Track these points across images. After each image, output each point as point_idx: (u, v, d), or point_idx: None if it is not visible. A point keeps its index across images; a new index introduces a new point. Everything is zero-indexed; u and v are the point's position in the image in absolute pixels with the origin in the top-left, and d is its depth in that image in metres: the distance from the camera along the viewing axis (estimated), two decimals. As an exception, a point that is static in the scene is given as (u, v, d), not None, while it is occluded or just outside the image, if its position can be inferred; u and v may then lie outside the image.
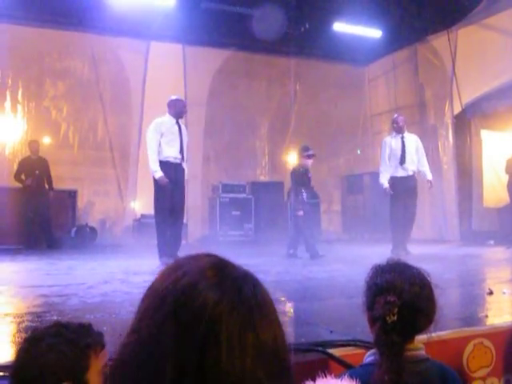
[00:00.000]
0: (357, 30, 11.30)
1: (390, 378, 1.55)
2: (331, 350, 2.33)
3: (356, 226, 12.74)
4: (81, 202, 11.06)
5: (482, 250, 8.81)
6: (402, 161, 8.11)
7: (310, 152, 8.59)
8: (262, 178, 12.86)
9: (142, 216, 10.72)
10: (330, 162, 13.32)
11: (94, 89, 11.35)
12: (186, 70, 11.85)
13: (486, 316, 3.16)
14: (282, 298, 3.98)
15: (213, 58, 12.06)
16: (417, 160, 8.19)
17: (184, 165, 7.12)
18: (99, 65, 11.35)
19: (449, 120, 11.70)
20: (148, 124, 11.22)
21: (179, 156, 7.00)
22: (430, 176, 8.20)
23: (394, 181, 8.07)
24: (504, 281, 5.21)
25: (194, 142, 11.57)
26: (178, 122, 7.10)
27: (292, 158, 13.42)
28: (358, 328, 2.58)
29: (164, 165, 6.84)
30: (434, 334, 2.38)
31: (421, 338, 1.82)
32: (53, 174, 10.02)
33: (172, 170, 6.89)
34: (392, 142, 8.22)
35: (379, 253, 8.25)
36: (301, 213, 8.11)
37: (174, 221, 6.92)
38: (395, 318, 1.58)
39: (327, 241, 11.74)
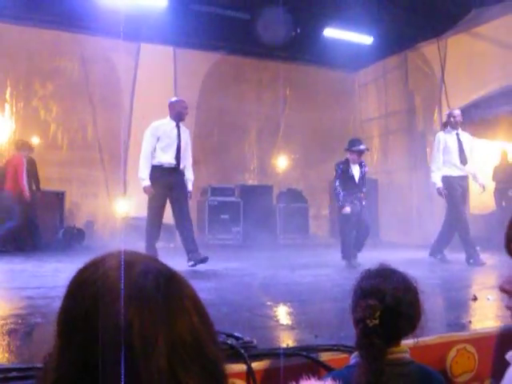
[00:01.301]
0: (348, 35, 11.35)
1: (368, 380, 1.57)
2: (315, 355, 2.34)
3: (344, 230, 12.74)
4: (69, 204, 11.00)
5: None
6: (463, 161, 7.52)
7: (355, 147, 7.44)
8: (251, 182, 12.87)
9: (131, 218, 10.68)
10: (319, 166, 13.35)
11: (84, 90, 11.30)
12: (177, 72, 11.85)
13: (470, 322, 3.18)
14: (268, 303, 3.99)
15: (203, 61, 12.07)
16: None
17: (182, 169, 6.82)
18: (89, 66, 11.32)
19: (437, 127, 11.77)
20: (137, 126, 11.32)
21: (174, 162, 6.71)
22: (481, 180, 7.68)
23: (449, 180, 7.48)
24: (488, 287, 5.25)
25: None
26: (178, 126, 6.83)
27: (281, 162, 13.46)
28: (343, 333, 2.60)
29: (157, 169, 6.62)
30: (419, 339, 2.41)
31: (407, 342, 1.84)
32: (41, 174, 9.96)
33: (166, 174, 6.64)
34: (447, 138, 7.62)
35: (365, 257, 8.29)
36: (347, 209, 7.16)
37: (183, 224, 6.69)
38: (377, 321, 1.61)
39: (315, 245, 11.77)
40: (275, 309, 3.82)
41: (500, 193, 10.82)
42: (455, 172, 7.50)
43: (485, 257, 8.49)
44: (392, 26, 11.13)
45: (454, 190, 7.40)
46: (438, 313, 3.39)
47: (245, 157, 12.89)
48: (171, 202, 6.73)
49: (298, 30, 10.46)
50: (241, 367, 2.11)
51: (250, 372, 2.11)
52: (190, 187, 6.90)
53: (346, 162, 7.40)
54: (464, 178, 7.58)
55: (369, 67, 13.67)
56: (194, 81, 11.94)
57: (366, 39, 11.61)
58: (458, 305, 4.02)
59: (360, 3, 10.22)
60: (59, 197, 10.52)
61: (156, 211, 6.69)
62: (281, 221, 12.17)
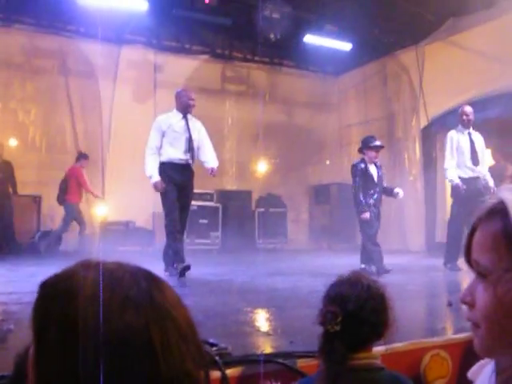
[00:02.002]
0: (327, 42, 11.41)
1: None
2: (291, 361, 2.35)
3: (322, 235, 12.81)
4: (46, 207, 10.88)
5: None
6: (475, 162, 7.13)
7: (373, 143, 7.02)
8: (230, 187, 12.85)
9: (110, 223, 10.61)
10: (298, 171, 13.39)
11: (63, 92, 11.20)
12: (157, 76, 11.80)
13: (444, 327, 3.22)
14: (245, 309, 3.98)
15: (184, 66, 12.04)
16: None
17: (193, 167, 6.40)
18: (69, 68, 11.22)
19: (416, 133, 11.90)
20: (117, 130, 11.26)
21: (185, 157, 6.25)
22: (491, 182, 7.18)
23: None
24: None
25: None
26: (185, 117, 6.37)
27: (260, 167, 13.46)
28: (317, 339, 2.60)
29: (167, 166, 6.19)
30: (391, 345, 2.43)
31: (378, 348, 1.85)
32: (18, 178, 9.86)
33: (177, 171, 6.22)
34: (459, 138, 7.25)
35: (344, 263, 8.32)
36: (366, 215, 6.74)
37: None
38: (338, 327, 1.64)
39: (294, 250, 11.79)
40: (251, 315, 3.81)
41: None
42: (466, 173, 7.15)
43: (460, 262, 8.59)
44: (371, 33, 11.23)
45: (460, 195, 7.00)
46: (413, 319, 3.42)
47: (224, 162, 12.86)
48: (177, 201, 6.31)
49: (279, 36, 10.48)
50: (215, 374, 2.10)
51: (224, 379, 2.11)
52: (215, 164, 6.54)
53: (364, 162, 6.95)
54: (476, 180, 7.14)
55: (349, 73, 13.75)
56: (175, 85, 11.88)
57: (345, 46, 11.68)
58: (434, 311, 4.05)
59: (340, 10, 10.28)
60: (36, 200, 10.41)
61: (172, 205, 6.19)
62: (259, 226, 12.17)
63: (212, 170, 6.45)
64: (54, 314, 0.68)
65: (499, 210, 0.80)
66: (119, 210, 10.38)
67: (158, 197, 10.89)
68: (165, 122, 6.31)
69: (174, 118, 6.35)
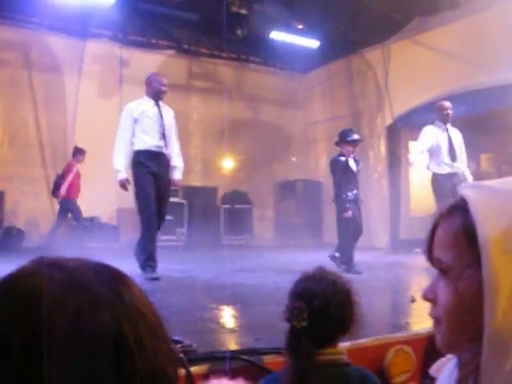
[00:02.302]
0: (295, 39, 11.44)
1: (293, 381, 1.61)
2: (256, 358, 2.34)
3: (288, 232, 12.85)
4: (9, 203, 10.66)
5: (408, 257, 9.05)
6: (453, 158, 7.04)
7: (352, 137, 6.88)
8: (196, 183, 12.80)
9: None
10: (264, 167, 13.41)
11: (27, 86, 10.97)
12: (123, 71, 11.66)
13: (407, 323, 3.25)
14: (210, 305, 3.96)
15: (150, 61, 11.91)
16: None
17: (168, 156, 5.99)
18: (33, 61, 11.00)
19: (381, 131, 12.02)
20: (82, 124, 11.09)
21: (161, 144, 5.85)
22: (470, 177, 7.15)
23: (438, 178, 7.06)
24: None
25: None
26: (157, 104, 5.96)
27: (226, 164, 13.44)
28: (283, 336, 2.60)
29: (142, 154, 5.74)
30: (356, 341, 2.44)
31: (344, 344, 1.86)
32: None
33: (153, 160, 5.78)
34: (437, 133, 7.12)
35: (310, 260, 8.36)
36: (349, 213, 6.58)
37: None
38: (305, 323, 1.64)
39: (260, 247, 11.81)
40: (217, 311, 3.80)
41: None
42: (445, 169, 7.05)
43: (423, 258, 8.69)
44: (338, 31, 11.30)
45: (441, 191, 6.92)
46: (377, 315, 3.45)
47: (189, 158, 12.79)
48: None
49: (245, 32, 10.48)
50: (180, 372, 2.08)
51: (188, 376, 2.09)
52: (179, 175, 6.17)
53: (343, 156, 6.78)
54: (455, 175, 7.04)
55: (315, 71, 13.81)
56: (141, 80, 11.73)
57: (312, 43, 11.72)
58: (397, 306, 4.10)
59: (307, 8, 10.32)
60: (-1, 196, 10.21)
61: (149, 199, 5.74)
62: (225, 222, 12.16)
63: (174, 181, 6.22)
64: (15, 319, 0.62)
65: (460, 206, 0.81)
66: (83, 205, 10.23)
67: (122, 192, 10.81)
68: (136, 109, 5.89)
69: (146, 105, 5.94)
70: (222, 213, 12.21)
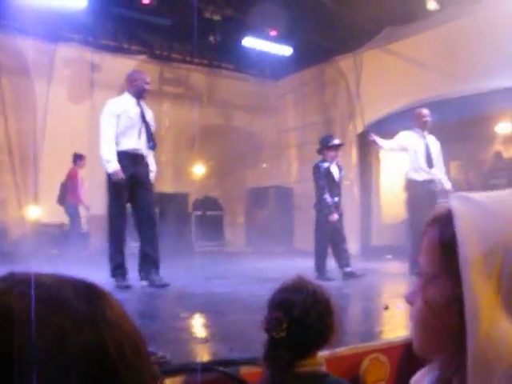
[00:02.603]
0: (267, 46, 11.45)
1: None
2: (231, 369, 2.30)
3: (260, 239, 12.83)
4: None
5: (380, 264, 9.12)
6: (430, 164, 7.06)
7: (331, 142, 6.79)
8: (166, 190, 12.69)
9: (43, 225, 10.26)
10: (235, 174, 13.39)
11: (-5, 89, 10.79)
12: (94, 75, 11.52)
13: (382, 331, 3.25)
14: (183, 314, 3.91)
15: (121, 66, 11.77)
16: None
17: (149, 159, 5.78)
18: (2, 65, 10.78)
19: (352, 138, 12.10)
20: (52, 129, 10.90)
21: (140, 146, 5.58)
22: (448, 185, 7.17)
23: (414, 185, 7.08)
24: (399, 295, 5.40)
25: (98, 149, 11.25)
26: (139, 104, 5.67)
27: (197, 170, 13.37)
28: (258, 345, 2.56)
29: (119, 156, 5.41)
30: (333, 350, 2.42)
31: (322, 353, 1.83)
32: None
33: (130, 162, 5.49)
34: (415, 140, 7.14)
35: (281, 266, 8.35)
36: (335, 217, 6.58)
37: (148, 230, 5.74)
38: (284, 333, 1.61)
39: (231, 253, 11.77)
40: (190, 321, 3.75)
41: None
42: (421, 176, 7.08)
43: (395, 265, 8.79)
44: (310, 38, 11.35)
45: (416, 197, 6.97)
46: (351, 323, 3.44)
47: (161, 164, 12.68)
48: (134, 200, 5.64)
49: (218, 38, 10.45)
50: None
51: (163, 389, 2.04)
52: (152, 178, 5.93)
53: (326, 162, 6.75)
54: (431, 182, 7.11)
55: (287, 78, 13.85)
56: (112, 84, 11.64)
57: (285, 50, 11.75)
58: (371, 314, 4.10)
59: (280, 15, 10.34)
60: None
61: (120, 207, 5.58)
62: (196, 228, 12.09)
63: None
64: None
65: (443, 216, 0.81)
66: (52, 211, 10.07)
67: (92, 198, 10.66)
68: (118, 106, 5.56)
69: (128, 103, 5.61)
70: (193, 219, 12.14)
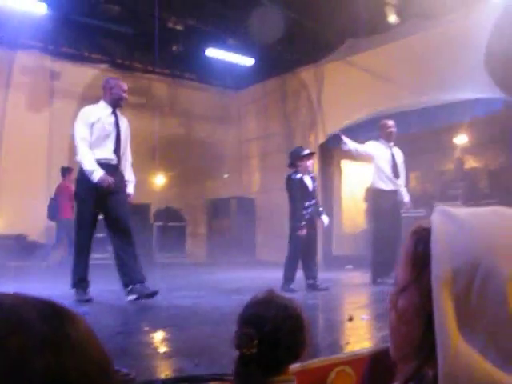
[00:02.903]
0: (229, 56, 11.47)
1: None
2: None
3: (221, 249, 12.77)
4: None
5: (341, 274, 9.17)
6: (396, 174, 7.19)
7: (303, 153, 6.75)
8: (127, 200, 12.56)
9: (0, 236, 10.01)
10: (197, 184, 13.31)
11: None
12: (53, 84, 11.31)
13: (348, 343, 3.24)
14: (145, 328, 3.84)
15: (82, 74, 11.63)
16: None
17: (123, 169, 5.52)
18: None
19: (314, 149, 12.16)
20: (9, 137, 10.64)
21: (113, 157, 5.34)
22: (407, 197, 7.33)
23: (380, 194, 7.19)
24: (362, 306, 5.43)
25: (58, 159, 11.03)
26: (114, 112, 5.42)
27: (159, 180, 13.25)
28: (225, 360, 2.52)
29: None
30: (302, 363, 2.40)
31: (293, 367, 1.81)
32: None
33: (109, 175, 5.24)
34: (381, 150, 7.24)
35: (243, 277, 8.33)
36: (303, 232, 6.50)
37: (125, 242, 5.45)
38: (254, 350, 1.58)
39: (193, 265, 11.66)
40: (153, 335, 3.67)
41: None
42: (388, 186, 7.17)
43: (356, 275, 8.85)
44: (272, 50, 11.41)
45: (381, 207, 7.11)
46: (317, 335, 3.42)
47: (122, 174, 12.56)
48: (107, 212, 5.37)
49: (180, 48, 10.40)
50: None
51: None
52: (131, 190, 5.67)
53: (299, 173, 6.67)
54: (396, 193, 7.25)
55: (249, 88, 13.90)
56: (72, 93, 11.46)
57: (247, 61, 11.79)
58: (335, 326, 4.09)
59: (243, 26, 10.38)
60: None
61: (87, 218, 5.31)
62: (157, 239, 11.96)
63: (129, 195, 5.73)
64: None
65: (420, 229, 0.81)
66: (10, 222, 9.83)
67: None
68: (94, 114, 5.30)
69: (103, 112, 5.35)
70: (154, 230, 12.00)
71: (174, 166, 13.12)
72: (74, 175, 9.81)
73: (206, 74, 13.22)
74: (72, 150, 11.23)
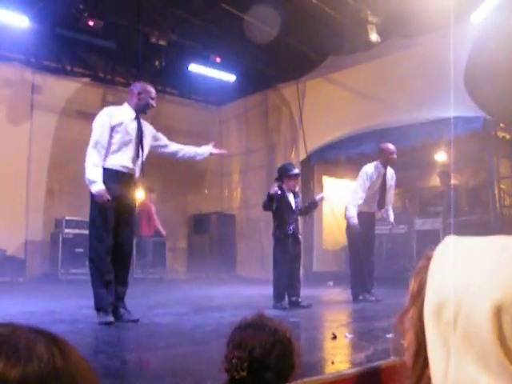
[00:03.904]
0: (211, 72, 11.51)
1: None
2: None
3: (201, 265, 12.71)
4: None
5: (322, 291, 9.15)
6: (381, 204, 7.25)
7: (292, 172, 6.67)
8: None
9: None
10: (176, 200, 13.25)
11: None
12: (34, 97, 11.20)
13: (333, 362, 3.21)
14: (128, 346, 3.78)
15: (64, 88, 11.54)
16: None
17: (136, 178, 5.18)
18: None
19: (295, 165, 12.21)
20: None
21: (131, 166, 5.01)
22: (391, 217, 7.42)
23: (360, 216, 7.07)
24: (345, 324, 5.42)
25: (38, 172, 10.91)
26: (138, 118, 5.09)
27: (139, 195, 13.15)
28: (209, 381, 2.49)
29: (106, 173, 4.84)
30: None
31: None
32: None
33: (116, 182, 4.91)
34: (374, 176, 7.10)
35: (225, 294, 8.28)
36: (287, 245, 6.54)
37: (120, 258, 5.02)
38: (244, 373, 1.57)
39: (173, 280, 11.59)
40: (135, 354, 3.61)
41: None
42: (364, 208, 7.14)
43: (337, 291, 8.85)
44: (254, 65, 11.47)
45: (355, 226, 7.02)
46: (301, 354, 3.39)
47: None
48: (115, 229, 4.96)
49: (163, 63, 10.39)
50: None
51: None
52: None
53: (282, 189, 6.59)
54: (373, 214, 7.37)
55: (231, 104, 13.92)
56: (53, 107, 11.37)
57: (229, 77, 11.83)
58: (319, 344, 4.07)
59: (225, 42, 10.42)
60: None
61: (104, 231, 4.87)
62: (137, 255, 11.84)
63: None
64: None
65: (428, 256, 0.80)
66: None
67: (31, 224, 10.31)
68: (116, 116, 4.95)
69: (127, 116, 5.01)
70: (134, 245, 11.89)
71: (155, 180, 13.03)
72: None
73: (187, 89, 13.24)
74: (52, 165, 11.27)
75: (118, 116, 4.97)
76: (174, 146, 5.75)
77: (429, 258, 0.80)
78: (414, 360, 0.76)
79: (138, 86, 5.25)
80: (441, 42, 9.03)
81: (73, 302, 5.44)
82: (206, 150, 5.81)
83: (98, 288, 4.87)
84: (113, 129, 4.88)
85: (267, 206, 6.63)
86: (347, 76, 10.75)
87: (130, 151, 4.98)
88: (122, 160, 4.95)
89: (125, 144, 4.95)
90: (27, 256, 10.46)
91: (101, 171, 4.80)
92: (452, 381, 0.68)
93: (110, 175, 4.87)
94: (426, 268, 0.78)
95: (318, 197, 7.29)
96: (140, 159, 5.09)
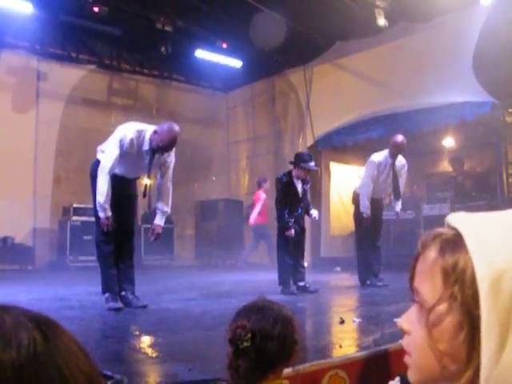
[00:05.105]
0: (218, 58, 11.45)
1: None
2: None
3: (209, 251, 12.73)
4: None
5: (330, 276, 9.17)
6: (397, 194, 7.25)
7: (306, 164, 6.57)
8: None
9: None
10: (184, 186, 13.24)
11: None
12: (40, 84, 11.20)
13: (340, 346, 3.22)
14: (137, 332, 3.79)
15: (69, 75, 11.53)
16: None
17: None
18: None
19: (302, 151, 12.17)
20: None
21: (133, 177, 5.38)
22: (398, 207, 7.42)
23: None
24: (353, 308, 5.43)
25: (44, 160, 10.93)
26: (151, 152, 5.02)
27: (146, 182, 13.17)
28: (218, 365, 2.49)
29: (113, 178, 4.95)
30: (294, 367, 2.38)
31: (287, 370, 1.80)
32: None
33: (124, 183, 5.18)
34: (382, 165, 7.12)
35: (232, 280, 8.30)
36: (291, 232, 6.48)
37: (124, 258, 5.25)
38: (248, 343, 1.58)
39: (181, 267, 11.62)
40: (144, 339, 3.63)
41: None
42: (374, 195, 7.17)
43: (344, 277, 8.85)
44: (261, 51, 11.39)
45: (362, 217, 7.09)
46: (309, 338, 3.40)
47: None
48: (117, 216, 5.07)
49: (170, 49, 10.34)
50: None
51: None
52: (159, 221, 5.45)
53: (289, 176, 6.59)
54: (381, 200, 7.42)
55: (238, 90, 13.87)
56: (59, 94, 11.36)
57: (235, 62, 11.77)
58: (327, 329, 4.08)
59: (231, 28, 10.36)
60: None
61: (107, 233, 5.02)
62: (145, 242, 11.86)
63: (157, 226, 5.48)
64: None
65: (443, 240, 0.77)
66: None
67: (39, 211, 10.33)
68: (136, 140, 4.97)
69: (143, 146, 5.00)
70: (142, 232, 11.91)
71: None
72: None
73: (194, 75, 13.18)
74: (58, 153, 11.27)
75: (135, 141, 4.96)
76: (161, 188, 5.59)
77: (444, 240, 0.77)
78: (468, 347, 0.70)
79: (161, 125, 5.08)
80: (449, 27, 8.96)
81: (82, 289, 5.46)
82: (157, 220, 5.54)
83: (107, 268, 5.06)
84: (125, 149, 4.92)
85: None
86: (355, 61, 10.67)
87: (136, 170, 5.29)
88: (126, 172, 5.17)
89: (133, 163, 5.11)
90: (35, 244, 10.50)
91: (109, 196, 4.90)
92: (507, 364, 0.66)
93: (118, 178, 5.09)
94: (449, 249, 0.74)
95: (310, 213, 7.07)
96: (143, 176, 5.30)
